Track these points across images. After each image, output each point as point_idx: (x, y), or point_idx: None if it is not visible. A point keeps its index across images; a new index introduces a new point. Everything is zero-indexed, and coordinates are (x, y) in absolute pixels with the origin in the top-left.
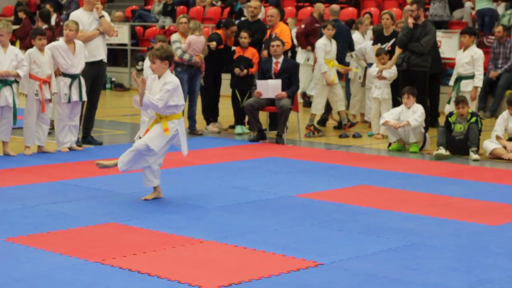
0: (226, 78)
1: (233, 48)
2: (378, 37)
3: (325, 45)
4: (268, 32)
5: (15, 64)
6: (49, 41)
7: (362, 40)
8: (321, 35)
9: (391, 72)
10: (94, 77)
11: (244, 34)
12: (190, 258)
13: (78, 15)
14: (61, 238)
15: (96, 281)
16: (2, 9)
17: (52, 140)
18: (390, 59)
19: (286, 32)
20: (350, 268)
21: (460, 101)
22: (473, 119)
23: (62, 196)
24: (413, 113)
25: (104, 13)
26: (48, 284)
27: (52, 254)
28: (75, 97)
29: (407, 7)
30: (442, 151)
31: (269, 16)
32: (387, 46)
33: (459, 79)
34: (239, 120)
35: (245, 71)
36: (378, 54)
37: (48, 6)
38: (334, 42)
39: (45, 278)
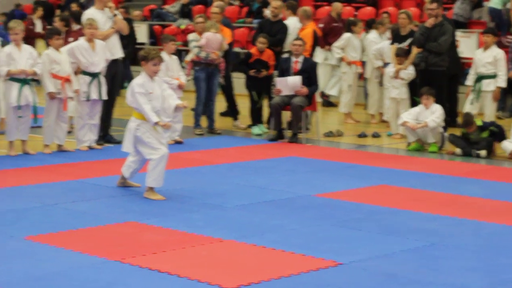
0: (242, 77)
1: (250, 50)
2: (395, 37)
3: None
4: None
5: (32, 63)
6: None
7: (379, 40)
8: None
9: (409, 73)
10: (113, 76)
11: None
12: (209, 257)
13: (93, 14)
14: (81, 236)
15: (115, 280)
16: (23, 7)
17: (72, 139)
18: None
19: (308, 38)
20: (370, 268)
21: (468, 124)
22: (485, 133)
23: (81, 195)
24: (431, 114)
25: (116, 11)
26: (67, 283)
27: (72, 253)
28: (94, 95)
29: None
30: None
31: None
32: (404, 45)
33: (480, 78)
34: (256, 121)
35: (264, 72)
36: (398, 54)
37: (74, 6)
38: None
39: (64, 276)
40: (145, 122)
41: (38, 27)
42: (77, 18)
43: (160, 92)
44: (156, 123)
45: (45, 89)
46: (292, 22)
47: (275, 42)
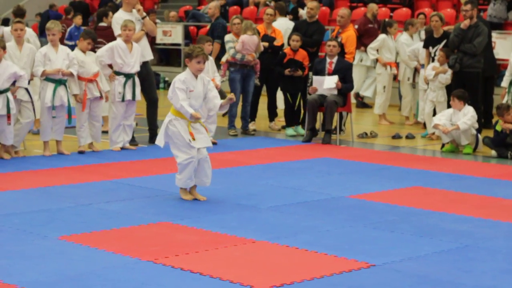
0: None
1: (284, 50)
2: (429, 40)
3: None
4: (336, 30)
5: (68, 63)
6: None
7: (410, 42)
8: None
9: (446, 78)
10: (144, 77)
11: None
12: (242, 258)
13: (122, 17)
14: (114, 236)
15: (148, 280)
16: (58, 7)
17: (105, 139)
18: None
19: (352, 41)
20: (403, 270)
21: (503, 111)
22: None
23: (115, 195)
24: (463, 116)
25: (144, 13)
26: (100, 283)
27: (105, 253)
28: (128, 95)
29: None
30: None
31: (340, 16)
32: (439, 48)
33: None
34: (290, 122)
35: (299, 71)
36: (448, 56)
37: (111, 5)
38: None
39: (97, 276)
40: (178, 119)
41: None
42: (99, 16)
43: (202, 91)
44: (192, 116)
45: (71, 91)
46: (282, 23)
47: (311, 43)
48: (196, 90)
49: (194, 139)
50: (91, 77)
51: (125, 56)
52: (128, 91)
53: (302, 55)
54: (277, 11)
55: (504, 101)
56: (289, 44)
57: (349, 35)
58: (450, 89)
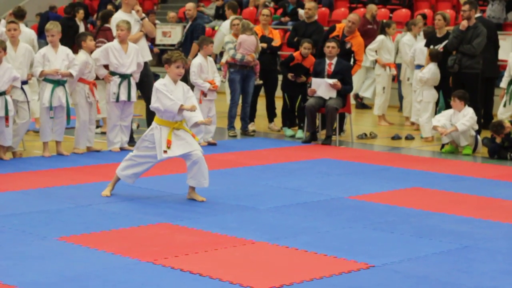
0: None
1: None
2: (431, 39)
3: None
4: (339, 33)
5: (67, 64)
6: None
7: (413, 42)
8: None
9: (421, 76)
10: (143, 78)
11: (307, 45)
12: (242, 259)
13: (121, 18)
14: (114, 237)
15: (147, 281)
16: (57, 9)
17: (105, 140)
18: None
19: (362, 48)
20: (402, 271)
21: (498, 133)
22: None
23: (114, 196)
24: (463, 117)
25: (144, 14)
26: (100, 284)
27: (104, 254)
28: (123, 96)
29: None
30: None
31: (351, 22)
32: (439, 47)
33: None
34: (289, 122)
35: (303, 78)
36: (430, 56)
37: (110, 7)
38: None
39: (97, 277)
40: (158, 126)
41: (81, 29)
42: (104, 17)
43: (182, 97)
44: (181, 107)
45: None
46: None
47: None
48: (175, 96)
49: (169, 147)
50: (94, 81)
51: (120, 57)
52: (123, 92)
53: (310, 62)
54: (230, 10)
55: (503, 102)
56: (289, 47)
57: (360, 42)
58: (450, 90)
